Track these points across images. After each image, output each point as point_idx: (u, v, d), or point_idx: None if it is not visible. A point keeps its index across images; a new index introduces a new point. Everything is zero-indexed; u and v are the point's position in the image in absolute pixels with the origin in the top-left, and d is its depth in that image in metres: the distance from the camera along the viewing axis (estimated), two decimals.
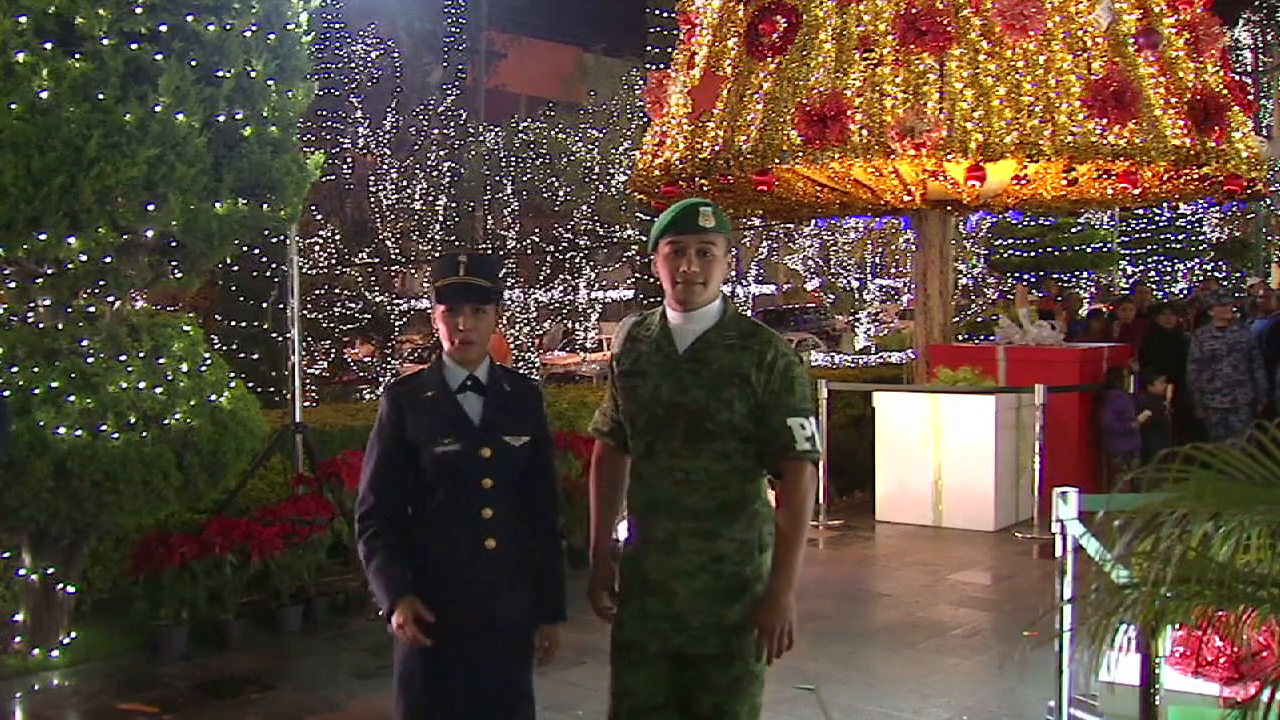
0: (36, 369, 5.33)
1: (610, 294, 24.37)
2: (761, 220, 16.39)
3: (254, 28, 5.65)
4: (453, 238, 20.96)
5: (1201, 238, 23.94)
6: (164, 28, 5.33)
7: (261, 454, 6.76)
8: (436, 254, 19.19)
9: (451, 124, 22.44)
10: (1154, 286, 20.72)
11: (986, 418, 8.92)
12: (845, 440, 10.25)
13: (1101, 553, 3.18)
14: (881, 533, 8.96)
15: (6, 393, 5.09)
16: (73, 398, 5.31)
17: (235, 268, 12.05)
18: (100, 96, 5.14)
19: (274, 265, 11.97)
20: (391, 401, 3.11)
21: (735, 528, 2.98)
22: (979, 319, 18.77)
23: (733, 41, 9.09)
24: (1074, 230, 17.94)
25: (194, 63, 5.40)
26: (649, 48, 15.28)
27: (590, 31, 34.53)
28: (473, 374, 3.12)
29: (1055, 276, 17.29)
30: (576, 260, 21.97)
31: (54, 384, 5.31)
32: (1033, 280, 16.92)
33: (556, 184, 22.10)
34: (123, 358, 5.54)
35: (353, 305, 18.91)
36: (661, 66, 11.40)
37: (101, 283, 5.55)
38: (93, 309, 5.70)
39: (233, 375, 6.19)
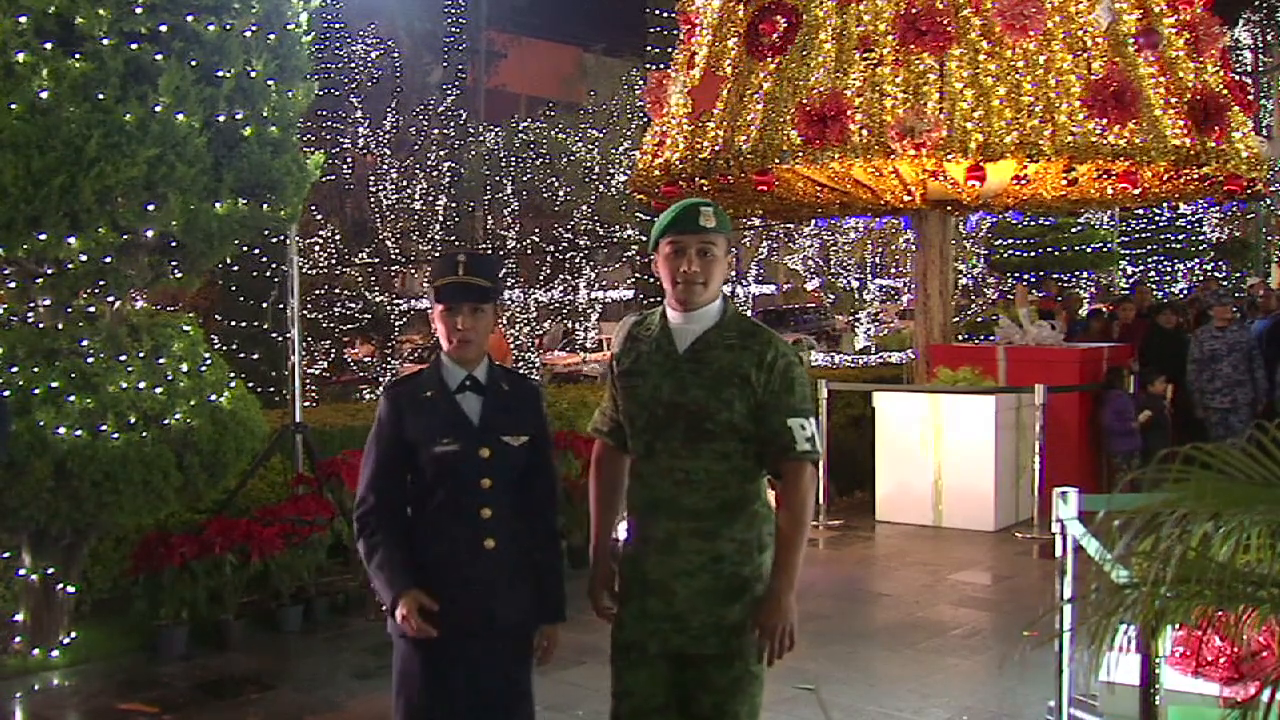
0: (36, 369, 5.33)
1: (610, 294, 24.37)
2: (761, 220, 16.39)
3: (254, 28, 5.65)
4: (453, 238, 20.96)
5: (1201, 238, 23.94)
6: (164, 28, 5.33)
7: (261, 454, 6.76)
8: (436, 254, 19.19)
9: (451, 124, 22.44)
10: (1154, 286, 20.72)
11: (986, 418, 8.92)
12: (845, 440, 10.25)
13: (1101, 553, 3.18)
14: (881, 533, 8.96)
15: (6, 393, 5.09)
16: (73, 398, 5.31)
17: (235, 268, 12.04)
18: (100, 96, 5.14)
19: (274, 265, 11.96)
20: (390, 402, 3.11)
21: (735, 528, 2.98)
22: (979, 319, 18.77)
23: (733, 41, 9.09)
24: (1074, 230, 17.95)
25: (194, 63, 5.41)
26: (649, 48, 15.27)
27: (590, 31, 34.53)
28: (471, 374, 3.11)
29: (1055, 276, 17.29)
30: (576, 260, 21.96)
31: (54, 384, 5.31)
32: (1033, 280, 16.92)
33: (556, 184, 22.09)
34: (123, 358, 5.54)
35: (353, 305, 18.90)
36: (661, 66, 11.39)
37: (101, 283, 5.55)
38: (93, 309, 5.70)
39: (233, 375, 6.19)
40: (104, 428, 5.32)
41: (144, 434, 5.43)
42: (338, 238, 19.41)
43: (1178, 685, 3.52)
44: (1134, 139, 8.25)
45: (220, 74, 5.48)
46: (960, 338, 14.74)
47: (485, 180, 22.10)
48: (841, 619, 6.49)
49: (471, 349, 3.10)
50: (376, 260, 19.87)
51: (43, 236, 5.16)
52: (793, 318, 31.15)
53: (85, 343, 5.49)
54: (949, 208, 10.11)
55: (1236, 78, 10.24)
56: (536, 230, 21.97)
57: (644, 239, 13.27)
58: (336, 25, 19.95)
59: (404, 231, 20.68)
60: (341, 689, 5.44)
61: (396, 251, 20.46)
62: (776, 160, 8.51)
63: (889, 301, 29.59)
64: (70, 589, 5.85)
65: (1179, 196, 10.20)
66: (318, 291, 18.15)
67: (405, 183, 20.51)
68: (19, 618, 5.75)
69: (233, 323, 12.56)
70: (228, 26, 5.50)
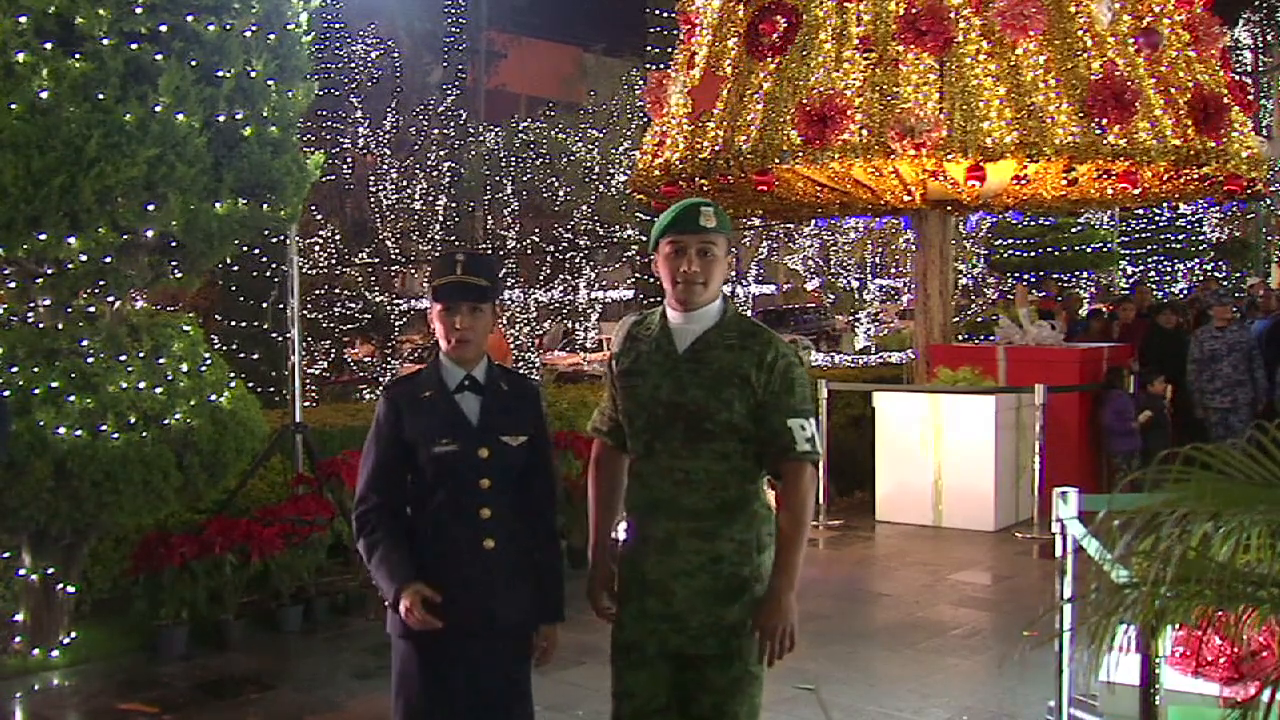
0: (36, 369, 5.33)
1: (610, 294, 24.36)
2: (761, 220, 16.38)
3: (254, 28, 5.65)
4: (453, 238, 20.96)
5: (1201, 238, 23.95)
6: (164, 28, 5.33)
7: (261, 454, 6.76)
8: (436, 254, 19.17)
9: (451, 124, 22.44)
10: (1154, 286, 20.73)
11: (986, 418, 8.92)
12: (845, 440, 10.24)
13: (1101, 553, 3.18)
14: (881, 533, 8.96)
15: (6, 393, 5.09)
16: (73, 398, 5.31)
17: (235, 268, 12.04)
18: (100, 96, 5.14)
19: (274, 265, 11.96)
20: (389, 402, 3.11)
21: (734, 528, 2.98)
22: (979, 319, 18.77)
23: (733, 41, 9.09)
24: (1074, 230, 17.95)
25: (194, 63, 5.40)
26: (649, 48, 15.27)
27: (590, 31, 34.53)
28: (470, 374, 3.10)
29: (1055, 276, 17.29)
30: (576, 260, 21.96)
31: (54, 384, 5.31)
32: (1033, 280, 16.92)
33: (556, 184, 22.08)
34: (123, 358, 5.54)
35: (353, 305, 18.90)
36: (661, 66, 11.40)
37: (101, 283, 5.55)
38: (93, 309, 5.70)
39: (233, 375, 6.19)
40: (104, 428, 5.32)
41: (144, 434, 5.43)
42: (338, 238, 19.41)
43: (1178, 685, 3.52)
44: (1134, 139, 8.25)
45: (220, 74, 5.48)
46: (960, 338, 14.74)
47: (485, 180, 22.10)
48: (841, 619, 6.49)
49: (470, 349, 3.09)
50: (376, 260, 19.87)
51: (43, 236, 5.16)
52: (793, 318, 31.14)
53: (85, 343, 5.49)
54: (949, 208, 10.11)
55: (1236, 78, 10.24)
56: (536, 230, 21.96)
57: (644, 239, 13.27)
58: (336, 25, 19.95)
59: (404, 231, 20.68)
60: (341, 689, 5.44)
61: (396, 251, 20.46)
62: (776, 160, 8.51)
63: (889, 301, 29.58)
64: (70, 589, 5.85)
65: (1179, 196, 10.20)
66: (318, 291, 18.15)
67: (405, 183, 20.51)
68: (19, 618, 5.75)
69: (233, 323, 12.56)
70: (228, 26, 5.50)
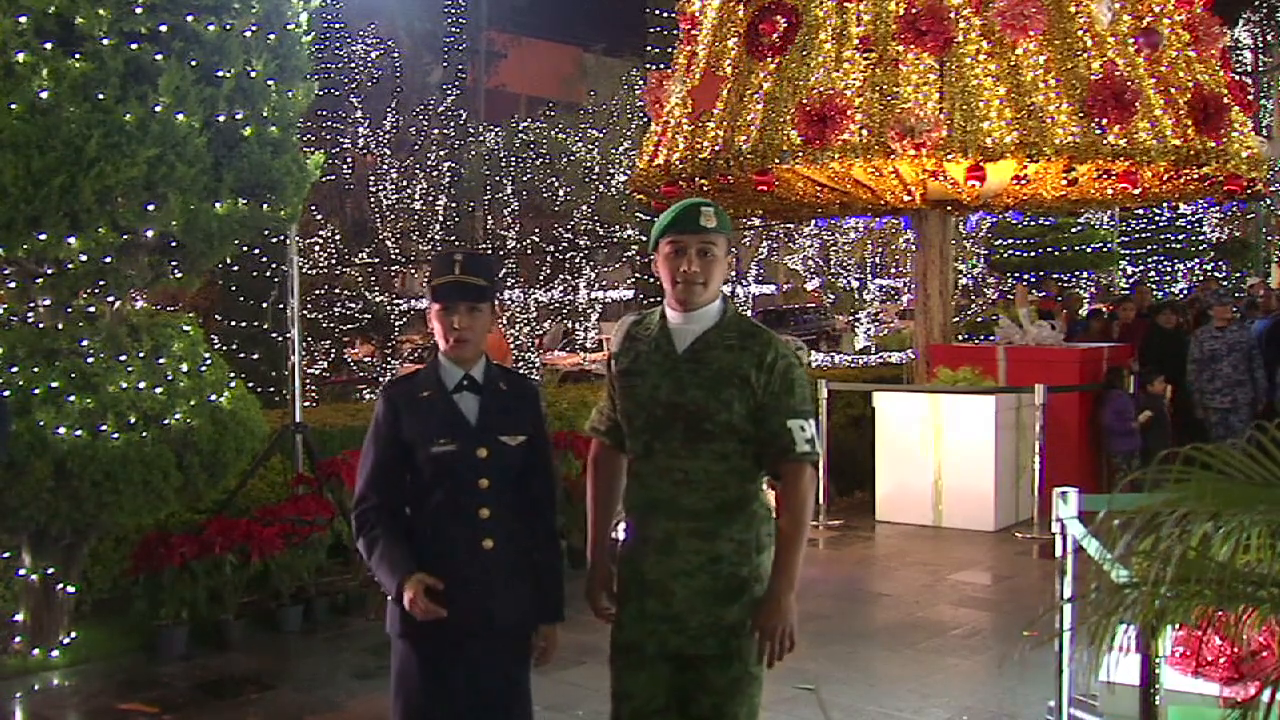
0: (36, 369, 5.33)
1: (610, 294, 24.36)
2: (761, 220, 16.39)
3: (254, 28, 5.65)
4: (453, 238, 20.96)
5: (1201, 238, 23.94)
6: (164, 28, 5.33)
7: (261, 454, 6.77)
8: (436, 254, 19.16)
9: (451, 124, 22.45)
10: (1154, 286, 20.72)
11: (986, 418, 8.92)
12: (845, 440, 10.25)
13: (1101, 553, 3.18)
14: (881, 533, 8.96)
15: (6, 393, 5.09)
16: (73, 398, 5.31)
17: (235, 268, 12.04)
18: (100, 96, 5.14)
19: (274, 265, 11.96)
20: (387, 402, 3.10)
21: (734, 528, 2.98)
22: (979, 319, 18.77)
23: (733, 41, 9.09)
24: (1074, 230, 17.95)
25: (194, 63, 5.41)
26: (649, 48, 15.27)
27: (590, 31, 34.52)
28: (469, 373, 3.10)
29: (1055, 276, 17.29)
30: (576, 260, 21.96)
31: (54, 384, 5.31)
32: (1033, 280, 16.92)
33: (556, 184, 22.08)
34: (123, 358, 5.54)
35: (353, 305, 18.91)
36: (661, 66, 11.40)
37: (101, 283, 5.55)
38: (93, 309, 5.70)
39: (233, 375, 6.19)
40: (104, 428, 5.32)
41: (144, 434, 5.43)
42: (338, 238, 19.41)
43: (1178, 685, 3.52)
44: (1134, 139, 8.25)
45: (220, 74, 5.48)
46: (960, 338, 14.74)
47: (485, 180, 22.10)
48: (841, 619, 6.49)
49: (468, 348, 3.08)
50: (376, 260, 19.87)
51: (43, 236, 5.16)
52: (793, 318, 31.12)
53: (85, 343, 5.49)
54: (949, 208, 10.11)
55: (1236, 78, 10.24)
56: (536, 230, 21.96)
57: (644, 239, 13.27)
58: (336, 25, 19.96)
59: (404, 231, 20.68)
60: (341, 689, 5.44)
61: (396, 251, 20.46)
62: (776, 160, 8.51)
63: (889, 301, 29.58)
64: (70, 589, 5.85)
65: (1179, 196, 10.20)
66: (318, 291, 18.15)
67: (405, 183, 20.52)
68: (19, 618, 5.75)
69: (233, 323, 12.56)
70: (228, 26, 5.50)
